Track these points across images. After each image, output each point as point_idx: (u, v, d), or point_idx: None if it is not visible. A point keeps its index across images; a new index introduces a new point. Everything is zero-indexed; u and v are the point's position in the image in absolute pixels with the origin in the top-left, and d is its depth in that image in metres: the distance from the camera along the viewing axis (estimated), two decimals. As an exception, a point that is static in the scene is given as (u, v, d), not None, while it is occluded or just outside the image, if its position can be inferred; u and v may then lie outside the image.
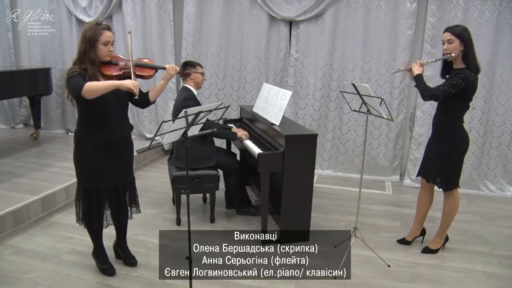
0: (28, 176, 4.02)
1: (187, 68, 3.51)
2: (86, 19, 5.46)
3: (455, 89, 2.68)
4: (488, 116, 4.43)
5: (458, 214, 3.87)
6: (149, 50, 5.36)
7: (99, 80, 2.41)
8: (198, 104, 3.37)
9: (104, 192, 2.59)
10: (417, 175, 3.21)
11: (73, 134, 2.60)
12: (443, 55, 2.79)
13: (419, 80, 2.80)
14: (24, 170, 4.19)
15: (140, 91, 2.55)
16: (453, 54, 2.71)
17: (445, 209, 3.05)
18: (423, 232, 3.24)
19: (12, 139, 5.53)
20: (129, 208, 2.76)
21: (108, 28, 2.44)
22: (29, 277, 2.65)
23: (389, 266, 2.91)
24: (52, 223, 3.43)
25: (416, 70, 2.82)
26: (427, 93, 2.73)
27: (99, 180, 2.53)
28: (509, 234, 3.53)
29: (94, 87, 2.25)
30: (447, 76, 2.82)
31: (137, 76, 2.52)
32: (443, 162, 2.89)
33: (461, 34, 2.70)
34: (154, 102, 2.68)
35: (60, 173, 4.07)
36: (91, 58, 2.38)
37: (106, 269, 2.71)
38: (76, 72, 2.35)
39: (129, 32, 2.66)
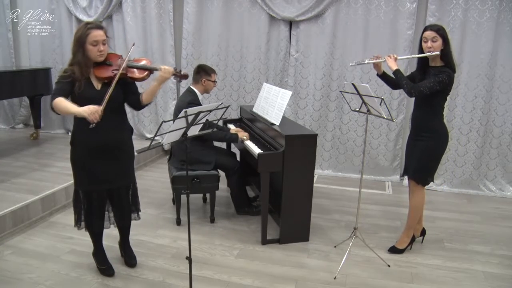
0: (28, 176, 4.02)
1: (200, 73, 3.46)
2: (86, 19, 5.46)
3: (440, 86, 2.71)
4: (488, 116, 4.43)
5: (458, 214, 3.92)
6: (149, 50, 5.37)
7: (91, 82, 2.35)
8: None
9: (98, 195, 2.55)
10: (402, 175, 3.21)
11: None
12: (419, 52, 2.82)
13: (400, 75, 2.81)
14: (24, 170, 4.19)
15: (134, 92, 2.52)
16: (437, 52, 2.74)
17: (412, 204, 3.03)
18: (423, 232, 3.24)
19: (12, 139, 5.54)
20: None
21: (98, 27, 2.30)
22: (29, 277, 2.65)
23: (389, 266, 2.91)
24: (52, 223, 3.43)
25: (393, 65, 2.83)
26: (415, 90, 2.74)
27: (90, 182, 2.48)
28: (509, 234, 3.53)
29: (58, 106, 2.17)
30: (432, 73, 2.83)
31: (131, 78, 2.44)
32: (425, 158, 2.90)
33: (444, 33, 2.75)
34: (147, 104, 2.57)
35: (60, 173, 4.07)
36: (79, 60, 2.28)
37: (105, 269, 2.70)
38: (65, 78, 2.27)
39: (133, 44, 2.76)
